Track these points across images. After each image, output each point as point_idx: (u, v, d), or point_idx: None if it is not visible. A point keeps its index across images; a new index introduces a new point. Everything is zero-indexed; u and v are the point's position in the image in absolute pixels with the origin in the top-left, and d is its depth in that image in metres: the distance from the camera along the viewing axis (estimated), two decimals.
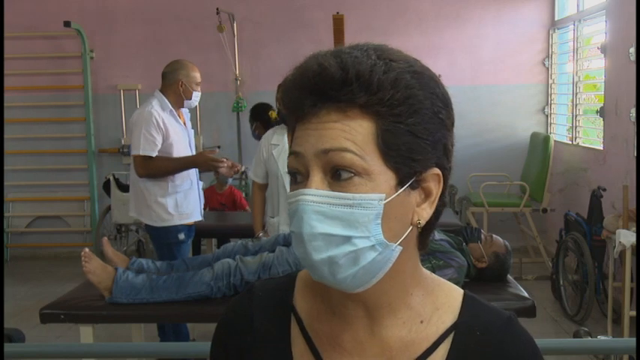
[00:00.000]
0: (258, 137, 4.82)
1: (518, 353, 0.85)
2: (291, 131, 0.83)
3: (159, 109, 3.62)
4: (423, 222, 0.81)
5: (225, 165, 3.75)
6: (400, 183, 0.78)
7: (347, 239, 0.76)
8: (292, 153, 0.80)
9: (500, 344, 0.85)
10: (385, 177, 0.77)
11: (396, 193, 0.78)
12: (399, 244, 0.79)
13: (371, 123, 0.77)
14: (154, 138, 3.56)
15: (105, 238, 3.12)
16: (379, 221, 0.77)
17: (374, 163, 0.76)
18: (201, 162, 3.74)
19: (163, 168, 3.63)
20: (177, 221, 3.68)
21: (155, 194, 3.64)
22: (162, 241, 3.67)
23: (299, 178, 0.79)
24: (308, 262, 0.78)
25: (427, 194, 0.81)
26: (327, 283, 0.80)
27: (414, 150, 0.78)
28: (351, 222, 0.76)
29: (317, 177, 0.77)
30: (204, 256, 3.21)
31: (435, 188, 0.81)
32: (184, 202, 3.70)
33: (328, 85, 0.76)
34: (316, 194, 0.76)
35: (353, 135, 0.76)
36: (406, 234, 0.80)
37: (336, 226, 0.76)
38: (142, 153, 3.55)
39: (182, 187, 3.69)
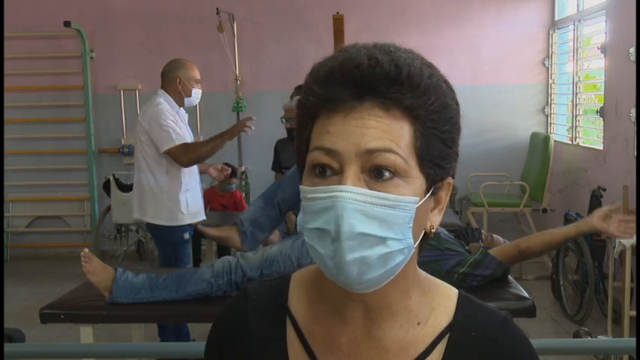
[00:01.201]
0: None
1: (513, 353, 0.85)
2: (310, 121, 0.79)
3: (168, 108, 3.63)
4: (435, 227, 0.82)
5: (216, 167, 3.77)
6: (428, 189, 0.79)
7: (382, 240, 0.75)
8: (323, 149, 0.76)
9: (495, 344, 0.85)
10: (419, 181, 0.77)
11: (425, 198, 0.78)
12: (414, 248, 0.80)
13: (410, 126, 0.76)
14: (178, 128, 3.59)
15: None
16: (411, 224, 0.77)
17: (412, 166, 0.76)
18: (233, 128, 3.80)
19: (202, 149, 3.66)
20: (186, 220, 3.71)
21: (169, 192, 3.64)
22: (168, 240, 3.67)
23: (329, 172, 0.76)
24: (336, 261, 0.75)
25: (437, 201, 0.83)
26: (346, 283, 0.77)
27: (443, 158, 0.79)
28: (389, 223, 0.75)
29: (354, 174, 0.75)
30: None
31: (445, 196, 0.83)
32: (192, 200, 3.72)
33: (381, 80, 0.75)
34: (357, 192, 0.74)
35: (396, 136, 0.75)
36: (420, 238, 0.81)
37: (374, 227, 0.74)
38: (177, 143, 3.55)
39: (191, 185, 3.72)
